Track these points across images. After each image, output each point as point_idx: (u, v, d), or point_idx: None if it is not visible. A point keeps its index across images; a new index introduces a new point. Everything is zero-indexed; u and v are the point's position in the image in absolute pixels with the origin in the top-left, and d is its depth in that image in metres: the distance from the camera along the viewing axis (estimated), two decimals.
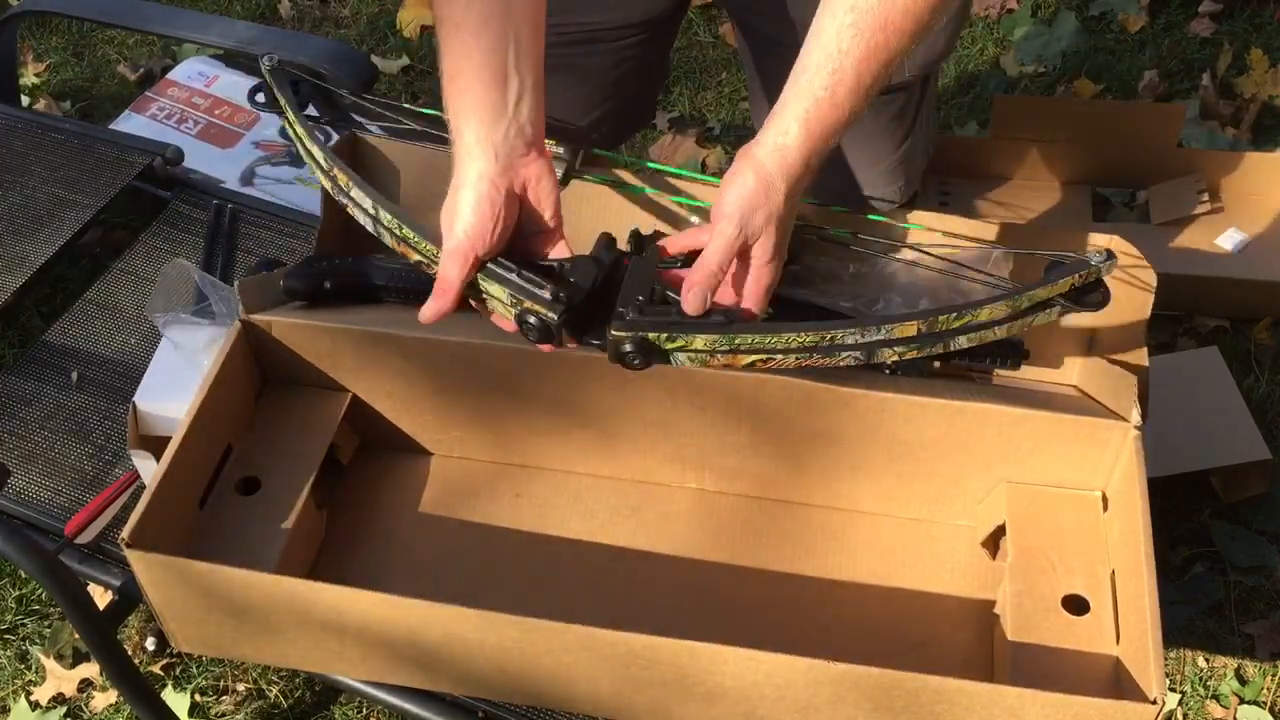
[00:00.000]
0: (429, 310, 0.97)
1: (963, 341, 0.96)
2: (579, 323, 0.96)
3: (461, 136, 0.96)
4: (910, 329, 0.94)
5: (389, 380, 1.15)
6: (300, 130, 1.10)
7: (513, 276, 0.95)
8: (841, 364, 0.95)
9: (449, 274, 0.96)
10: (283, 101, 1.13)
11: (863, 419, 1.09)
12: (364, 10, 2.72)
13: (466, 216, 0.95)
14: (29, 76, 2.56)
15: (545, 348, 0.97)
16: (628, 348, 0.93)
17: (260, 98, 1.16)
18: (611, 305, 0.96)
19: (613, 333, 0.93)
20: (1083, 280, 0.97)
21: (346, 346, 1.13)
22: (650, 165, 1.19)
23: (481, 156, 0.95)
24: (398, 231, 1.01)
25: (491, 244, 0.96)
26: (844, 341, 0.94)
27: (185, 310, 1.38)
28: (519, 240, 1.00)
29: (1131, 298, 1.12)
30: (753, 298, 0.97)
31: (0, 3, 2.69)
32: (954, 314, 0.94)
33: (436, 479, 1.20)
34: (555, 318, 0.94)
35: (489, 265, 0.96)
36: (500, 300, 0.97)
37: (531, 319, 0.94)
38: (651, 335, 0.93)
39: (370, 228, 1.04)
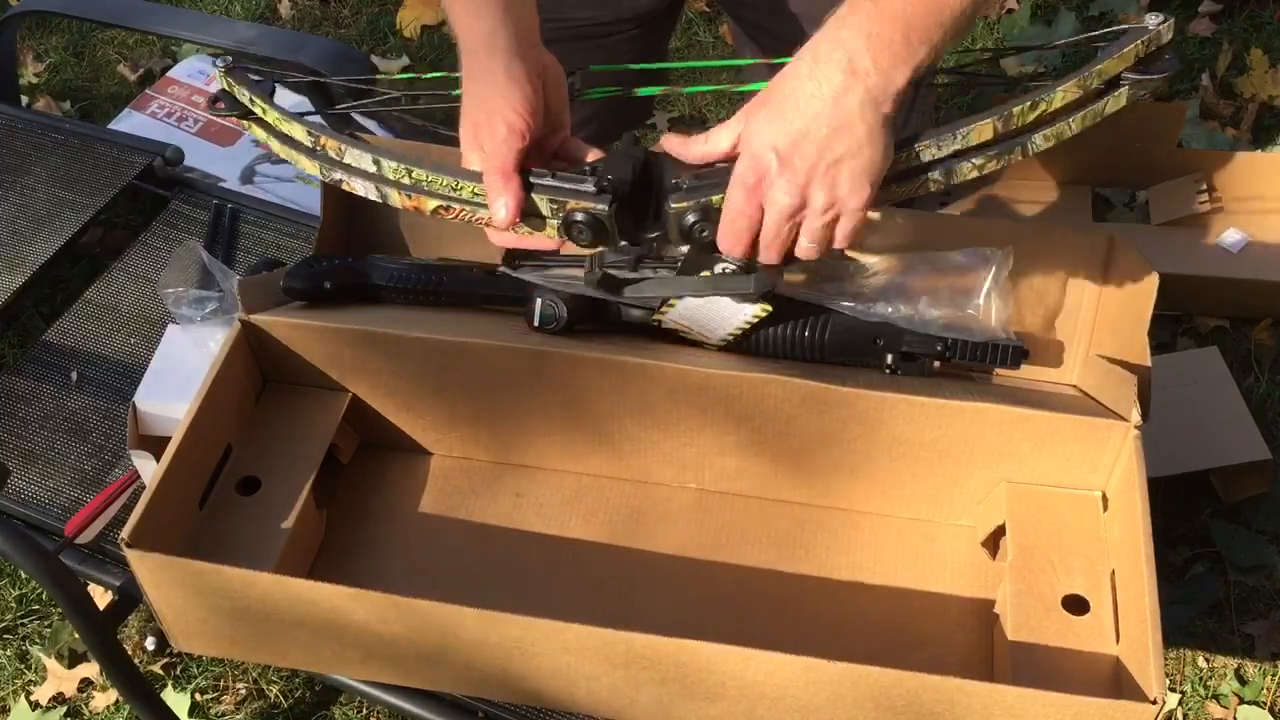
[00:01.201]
0: (499, 211, 0.91)
1: (1040, 141, 0.88)
2: (628, 215, 0.91)
3: (480, 20, 0.93)
4: (986, 130, 0.87)
5: (389, 380, 1.15)
6: (275, 115, 1.03)
7: (548, 180, 0.91)
8: (930, 191, 0.88)
9: (506, 158, 0.90)
10: (249, 97, 1.04)
11: (863, 419, 1.09)
12: (364, 10, 2.72)
13: (514, 95, 0.90)
14: (29, 76, 2.56)
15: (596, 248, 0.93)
16: (691, 219, 0.88)
17: (222, 105, 1.06)
18: (655, 199, 0.92)
19: (673, 205, 0.88)
20: (1146, 48, 0.89)
21: (346, 346, 1.13)
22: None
23: (509, 38, 0.92)
24: (406, 179, 0.96)
25: (539, 125, 0.91)
26: (922, 160, 0.86)
27: (193, 288, 1.39)
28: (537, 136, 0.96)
29: (1132, 298, 1.12)
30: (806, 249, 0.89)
31: (1, 3, 2.69)
32: (1028, 104, 0.87)
33: (436, 479, 1.20)
34: (606, 208, 0.89)
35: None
36: (538, 215, 0.92)
37: (580, 217, 0.90)
38: (715, 199, 0.88)
39: (373, 192, 0.99)
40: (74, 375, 1.52)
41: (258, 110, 1.04)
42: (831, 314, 1.14)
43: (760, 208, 0.86)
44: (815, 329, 1.14)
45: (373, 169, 0.97)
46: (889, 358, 1.13)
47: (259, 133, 1.06)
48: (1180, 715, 1.62)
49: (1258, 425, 1.76)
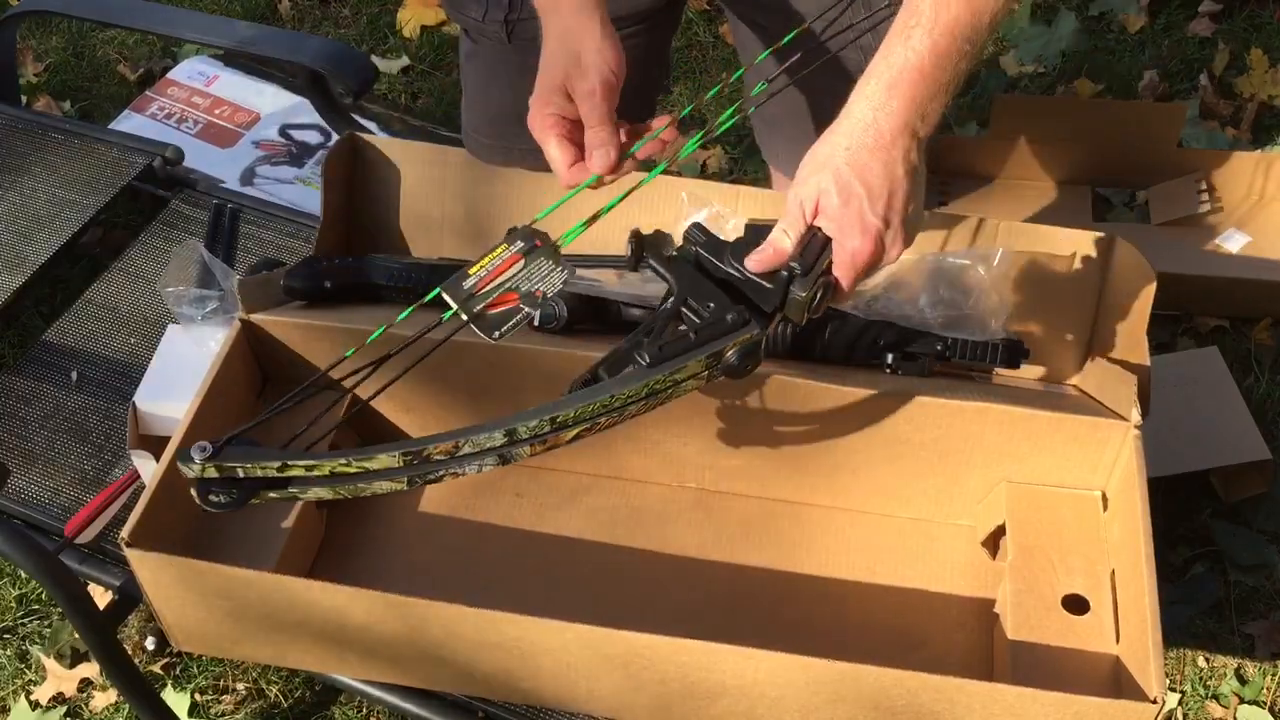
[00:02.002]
0: (603, 159, 0.96)
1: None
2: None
3: None
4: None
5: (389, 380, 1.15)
6: (325, 464, 0.84)
7: (691, 336, 0.89)
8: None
9: (605, 110, 0.96)
10: (259, 466, 0.82)
11: (863, 418, 1.09)
12: (364, 10, 2.72)
13: (610, 53, 0.97)
14: (29, 76, 2.56)
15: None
16: (818, 297, 0.92)
17: (221, 498, 0.83)
18: (731, 289, 0.93)
19: (800, 294, 0.91)
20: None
21: (346, 347, 1.13)
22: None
23: (599, 2, 0.97)
24: (547, 428, 0.86)
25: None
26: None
27: (193, 287, 1.39)
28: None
29: (1131, 298, 1.12)
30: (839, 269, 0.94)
31: (0, 3, 2.69)
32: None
33: None
34: (760, 330, 0.90)
35: (667, 359, 0.87)
36: (693, 376, 0.89)
37: (734, 359, 0.90)
38: (824, 264, 0.92)
39: (491, 463, 0.86)
40: (74, 375, 1.52)
41: (285, 471, 0.84)
42: (831, 314, 1.14)
43: (874, 263, 0.95)
44: (815, 329, 1.14)
45: (502, 441, 0.86)
46: (889, 358, 1.13)
47: (290, 493, 0.85)
48: (1180, 715, 1.62)
49: (1258, 425, 1.76)
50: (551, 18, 1.00)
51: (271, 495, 0.84)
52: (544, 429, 0.85)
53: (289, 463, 0.83)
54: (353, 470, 0.84)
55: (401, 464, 0.84)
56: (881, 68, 0.92)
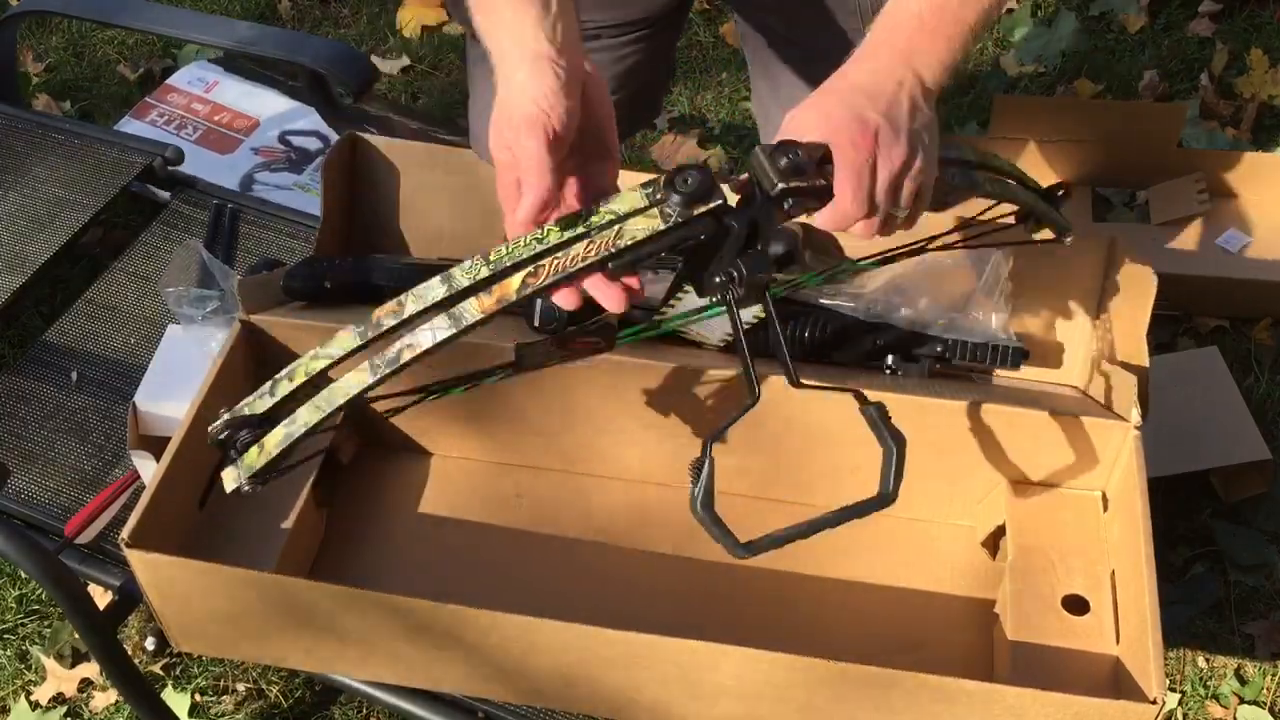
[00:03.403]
0: (525, 210, 0.84)
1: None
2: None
3: (509, 25, 0.89)
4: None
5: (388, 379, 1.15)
6: (303, 365, 0.90)
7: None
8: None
9: (530, 149, 0.84)
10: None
11: (863, 419, 1.09)
12: (364, 10, 2.72)
13: (530, 86, 0.85)
14: (29, 76, 2.56)
15: None
16: (789, 160, 0.87)
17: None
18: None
19: (761, 157, 0.86)
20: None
21: None
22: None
23: (536, 40, 0.87)
24: (484, 270, 0.84)
25: (565, 120, 0.85)
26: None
27: (193, 287, 1.39)
28: (579, 159, 0.89)
29: (1132, 298, 1.12)
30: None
31: (0, 3, 2.69)
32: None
33: (436, 479, 1.20)
34: (780, 185, 0.85)
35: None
36: (637, 210, 0.84)
37: (680, 185, 0.84)
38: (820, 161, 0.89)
39: (444, 329, 0.85)
40: (74, 375, 1.52)
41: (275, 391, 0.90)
42: (831, 314, 1.14)
43: (874, 162, 0.88)
44: (815, 329, 1.14)
45: (443, 293, 0.84)
46: (889, 358, 1.13)
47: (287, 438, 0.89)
48: (1180, 715, 1.62)
49: (1258, 425, 1.76)
50: (496, 69, 0.92)
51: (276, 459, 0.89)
52: (480, 270, 0.84)
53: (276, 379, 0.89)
54: (320, 362, 0.88)
55: (359, 341, 0.86)
56: (880, 22, 0.93)
